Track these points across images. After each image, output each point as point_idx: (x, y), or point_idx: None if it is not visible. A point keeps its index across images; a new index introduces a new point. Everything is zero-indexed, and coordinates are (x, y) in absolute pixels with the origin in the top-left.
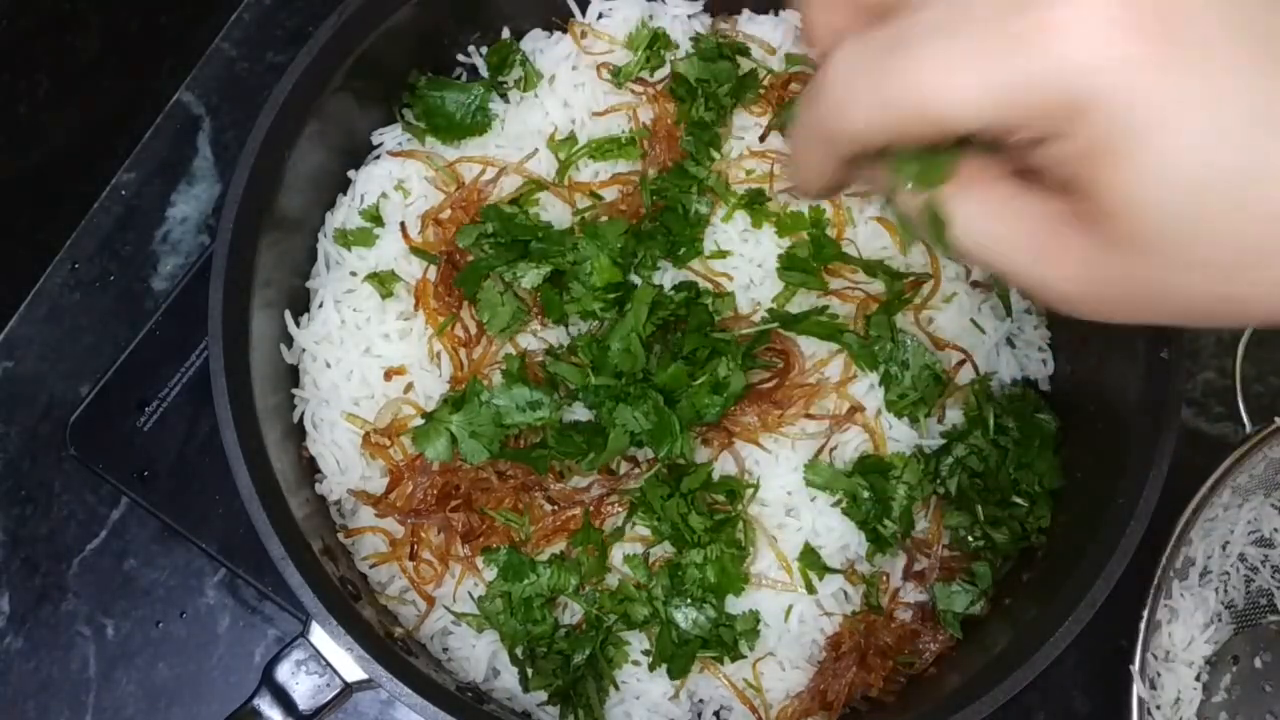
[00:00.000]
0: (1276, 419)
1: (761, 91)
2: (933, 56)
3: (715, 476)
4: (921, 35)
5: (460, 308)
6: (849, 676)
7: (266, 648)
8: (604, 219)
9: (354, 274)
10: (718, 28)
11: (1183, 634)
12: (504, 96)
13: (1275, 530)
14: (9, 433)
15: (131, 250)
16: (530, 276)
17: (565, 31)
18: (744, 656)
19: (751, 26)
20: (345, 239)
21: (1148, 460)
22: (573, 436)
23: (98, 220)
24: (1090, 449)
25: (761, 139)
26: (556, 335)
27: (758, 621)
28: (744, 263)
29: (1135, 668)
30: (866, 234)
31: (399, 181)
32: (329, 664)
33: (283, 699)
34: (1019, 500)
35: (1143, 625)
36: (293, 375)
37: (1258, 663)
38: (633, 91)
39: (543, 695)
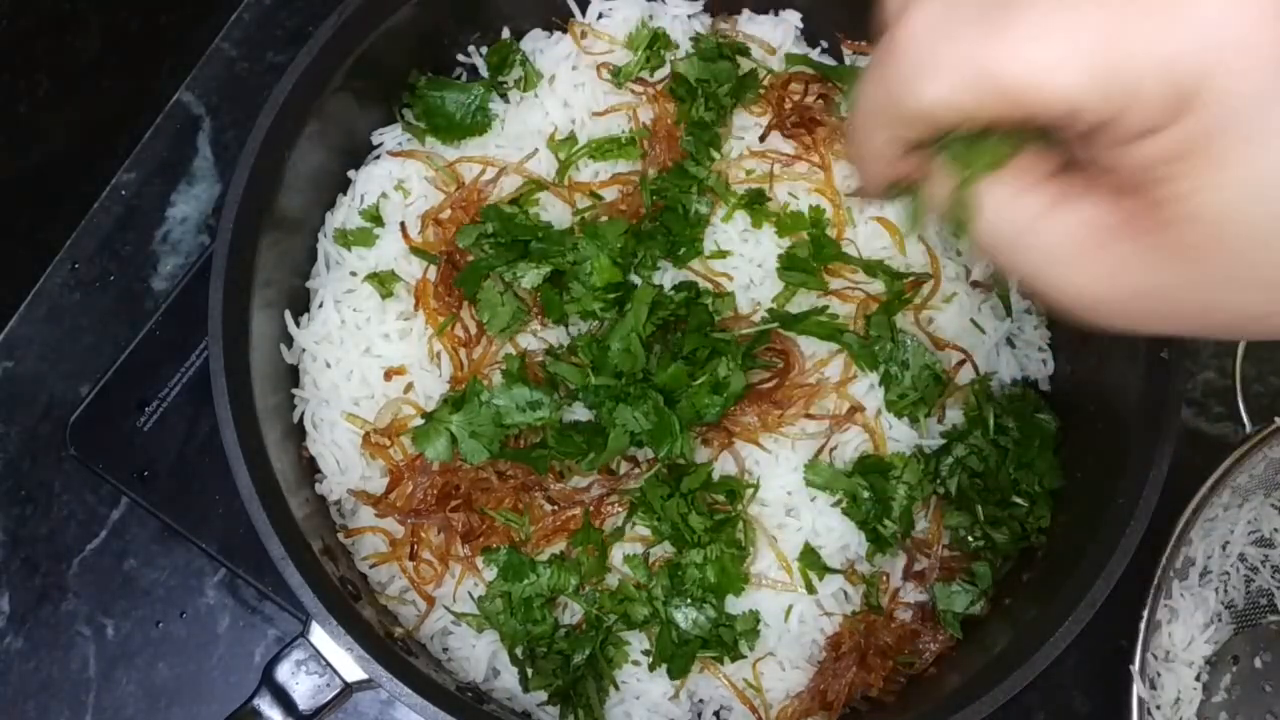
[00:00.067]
0: (1276, 419)
1: (761, 91)
2: (1041, 21)
3: (715, 476)
4: None
5: (460, 308)
6: (849, 676)
7: (266, 648)
8: (604, 219)
9: (354, 274)
10: (718, 28)
11: (1183, 634)
12: (504, 96)
13: (1275, 530)
14: (9, 433)
15: (131, 250)
16: (530, 276)
17: (565, 31)
18: (744, 656)
19: (751, 26)
20: (345, 239)
21: (1148, 460)
22: (573, 436)
23: (98, 220)
24: (1090, 449)
25: (761, 139)
26: (556, 335)
27: (758, 621)
28: (744, 263)
29: (1135, 668)
30: (866, 234)
31: (399, 181)
32: (329, 664)
33: (283, 699)
34: (1019, 500)
35: (1143, 625)
36: (293, 375)
37: (1258, 663)
38: (633, 91)
39: (543, 695)
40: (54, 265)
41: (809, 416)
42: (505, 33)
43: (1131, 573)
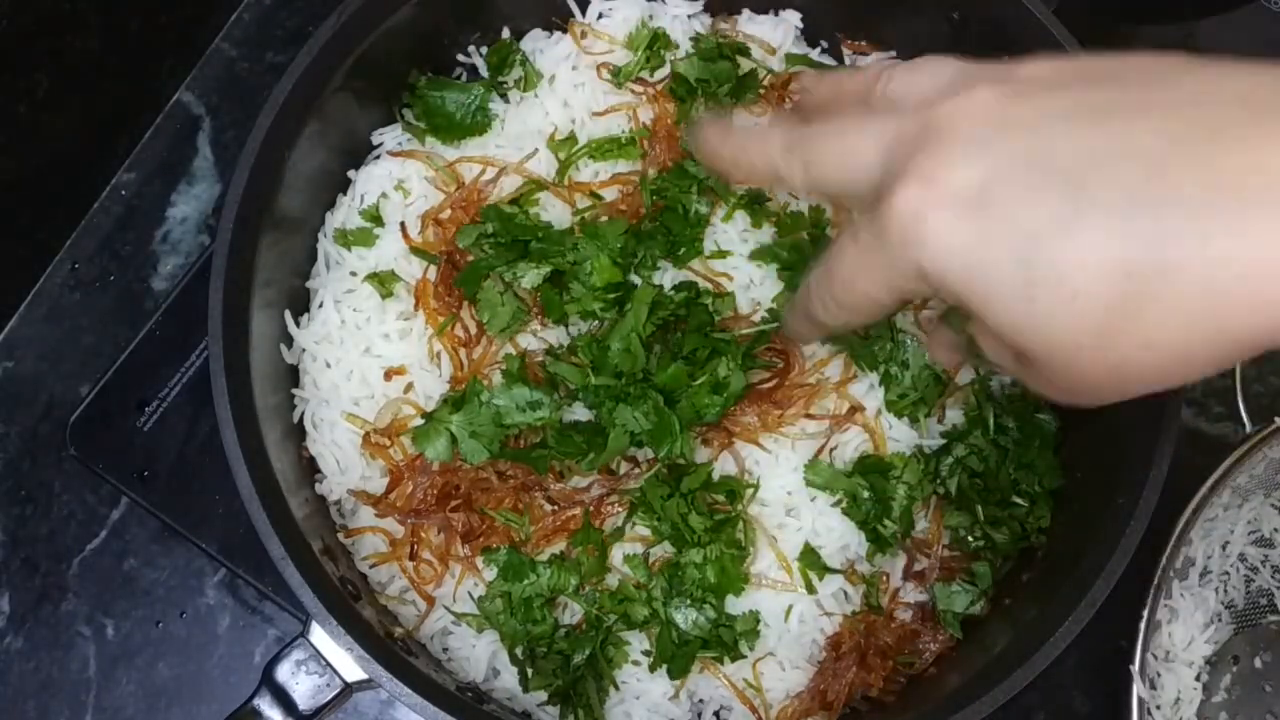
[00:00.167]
0: (1276, 419)
1: (761, 91)
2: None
3: (715, 476)
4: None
5: (460, 308)
6: (849, 676)
7: (266, 648)
8: (604, 219)
9: (354, 274)
10: (718, 28)
11: (1183, 634)
12: (504, 96)
13: (1275, 530)
14: (9, 433)
15: (131, 250)
16: (530, 276)
17: (565, 31)
18: (744, 656)
19: (751, 26)
20: (345, 239)
21: (1148, 460)
22: (573, 436)
23: (98, 220)
24: (1090, 449)
25: None
26: (556, 335)
27: (758, 621)
28: (744, 263)
29: (1135, 668)
30: None
31: (399, 181)
32: (329, 664)
33: (283, 699)
34: (1019, 500)
35: (1143, 625)
36: (293, 375)
37: (1258, 663)
38: (633, 91)
39: (543, 695)
40: (54, 265)
41: (809, 416)
42: (505, 33)
43: (1131, 573)
